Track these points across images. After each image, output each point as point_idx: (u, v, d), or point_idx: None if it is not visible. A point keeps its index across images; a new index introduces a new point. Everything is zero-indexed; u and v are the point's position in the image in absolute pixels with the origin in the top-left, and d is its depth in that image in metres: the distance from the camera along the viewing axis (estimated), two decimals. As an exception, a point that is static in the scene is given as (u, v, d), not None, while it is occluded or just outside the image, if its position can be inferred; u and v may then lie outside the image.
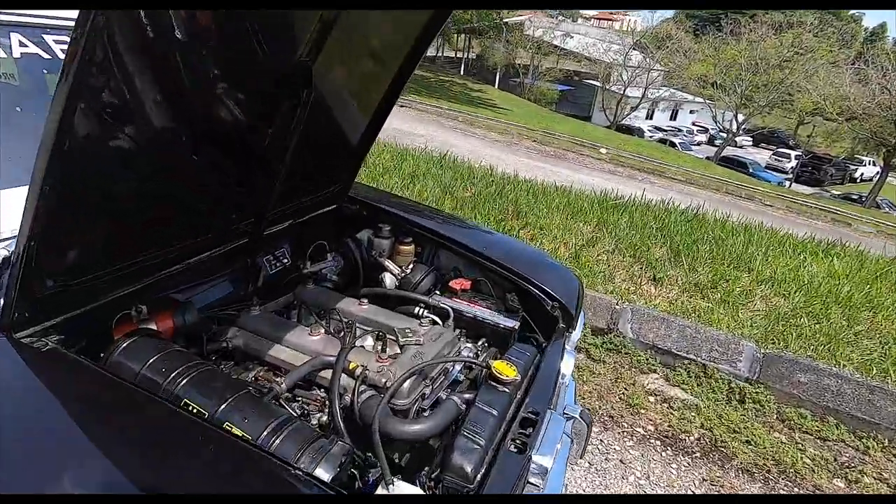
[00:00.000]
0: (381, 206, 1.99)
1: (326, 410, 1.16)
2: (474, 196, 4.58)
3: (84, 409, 0.92)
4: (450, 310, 1.63)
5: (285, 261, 1.71)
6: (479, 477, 1.05)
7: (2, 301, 0.97)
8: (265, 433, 0.98)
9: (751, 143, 33.81)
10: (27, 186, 0.87)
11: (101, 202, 1.06)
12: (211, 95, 1.14)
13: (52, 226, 0.94)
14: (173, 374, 1.05)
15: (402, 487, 0.96)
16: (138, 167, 1.10)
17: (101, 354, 1.09)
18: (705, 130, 35.60)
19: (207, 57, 1.06)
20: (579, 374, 2.73)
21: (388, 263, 1.82)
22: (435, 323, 1.57)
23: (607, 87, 31.89)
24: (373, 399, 1.16)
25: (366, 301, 1.57)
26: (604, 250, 3.85)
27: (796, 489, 2.22)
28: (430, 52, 41.81)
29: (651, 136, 30.10)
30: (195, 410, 1.00)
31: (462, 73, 38.59)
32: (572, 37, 35.51)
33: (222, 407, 1.01)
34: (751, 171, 24.07)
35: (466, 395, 1.23)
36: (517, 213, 4.27)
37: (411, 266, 1.83)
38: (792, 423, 2.55)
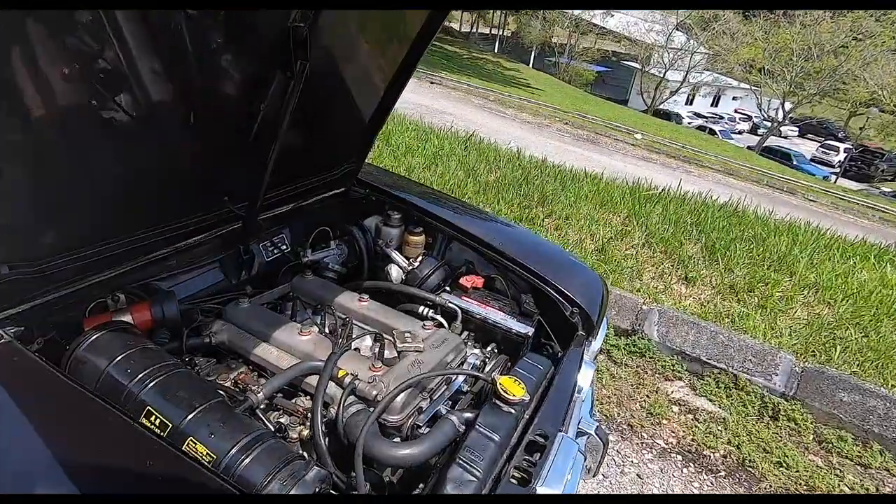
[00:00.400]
0: (391, 191, 1.84)
1: (308, 423, 1.04)
2: (498, 180, 4.38)
3: (31, 415, 0.82)
4: (458, 310, 1.49)
5: (284, 248, 1.59)
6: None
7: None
8: (233, 451, 0.87)
9: (797, 133, 32.13)
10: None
11: (69, 179, 0.95)
12: (198, 61, 1.00)
13: (3, 206, 0.83)
14: (140, 376, 0.95)
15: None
16: (113, 139, 0.98)
17: (67, 348, 1.00)
18: (748, 118, 33.95)
19: (193, 19, 0.92)
20: (599, 377, 2.57)
21: (396, 255, 1.69)
22: (440, 325, 1.43)
23: (646, 70, 30.63)
24: (360, 414, 1.03)
25: (367, 296, 1.44)
26: (633, 244, 3.62)
27: (831, 520, 2.03)
28: (464, 28, 40.82)
29: (690, 123, 28.88)
30: (158, 421, 0.90)
31: (496, 50, 37.65)
32: (613, 15, 34.07)
33: (188, 417, 0.90)
34: (795, 163, 22.87)
35: (467, 415, 1.09)
36: (543, 200, 4.06)
37: (420, 259, 1.69)
38: (830, 445, 2.33)
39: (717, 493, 2.09)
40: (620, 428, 2.34)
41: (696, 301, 3.16)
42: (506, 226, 2.01)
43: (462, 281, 1.61)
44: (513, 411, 1.10)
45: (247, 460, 0.86)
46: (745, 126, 33.38)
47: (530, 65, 35.10)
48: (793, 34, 22.67)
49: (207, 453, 0.86)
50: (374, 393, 1.06)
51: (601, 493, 2.00)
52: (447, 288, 1.64)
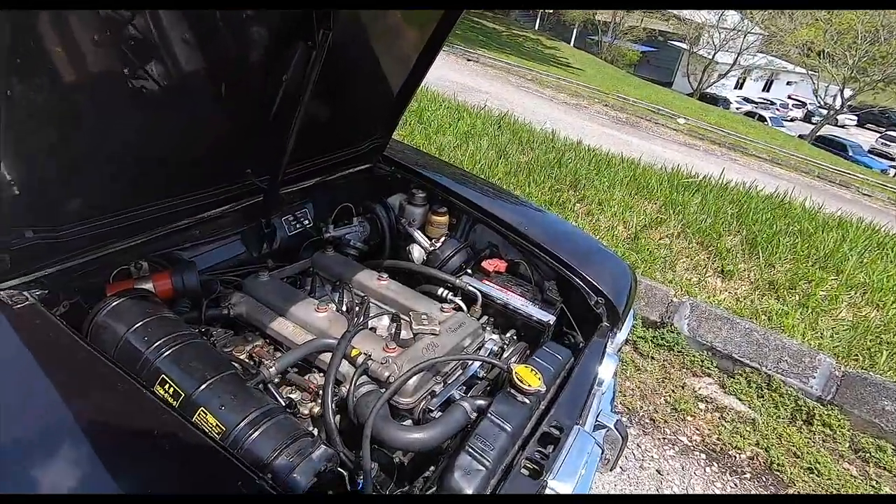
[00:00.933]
0: (417, 169, 1.80)
1: (320, 401, 1.03)
2: (531, 162, 4.27)
3: (49, 376, 0.84)
4: (479, 294, 1.46)
5: (306, 222, 1.58)
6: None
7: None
8: (242, 424, 0.87)
9: (855, 122, 30.16)
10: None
11: (95, 146, 0.95)
12: (225, 31, 0.98)
13: (30, 169, 0.84)
14: (157, 344, 0.96)
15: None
16: (140, 108, 0.97)
17: (89, 312, 1.02)
18: (802, 105, 32.04)
19: None
20: (622, 369, 2.50)
21: (418, 234, 1.65)
22: (459, 308, 1.40)
23: (695, 51, 29.16)
24: (372, 395, 1.02)
25: (386, 276, 1.42)
26: (667, 233, 3.48)
27: (862, 532, 1.93)
28: (505, 3, 39.65)
29: (738, 108, 27.47)
30: (172, 390, 0.91)
31: (536, 28, 36.55)
32: (662, -9, 32.38)
33: (201, 388, 0.90)
34: (851, 154, 21.49)
35: (479, 402, 1.06)
36: (575, 184, 3.93)
37: (443, 239, 1.65)
38: (867, 455, 2.21)
39: (741, 495, 2.02)
40: (643, 422, 2.28)
41: (731, 296, 3.02)
42: (534, 210, 1.95)
43: (484, 264, 1.57)
44: (527, 401, 1.07)
45: (255, 434, 0.86)
46: (799, 113, 31.53)
47: (571, 43, 33.95)
48: (858, 15, 21.05)
49: (217, 424, 0.86)
50: (387, 374, 1.04)
51: (619, 487, 1.97)
52: (469, 271, 1.60)
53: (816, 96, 25.06)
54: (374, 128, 1.70)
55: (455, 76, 11.86)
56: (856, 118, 29.53)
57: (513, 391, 1.08)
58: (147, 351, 0.95)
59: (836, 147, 21.91)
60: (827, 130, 24.58)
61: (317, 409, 1.03)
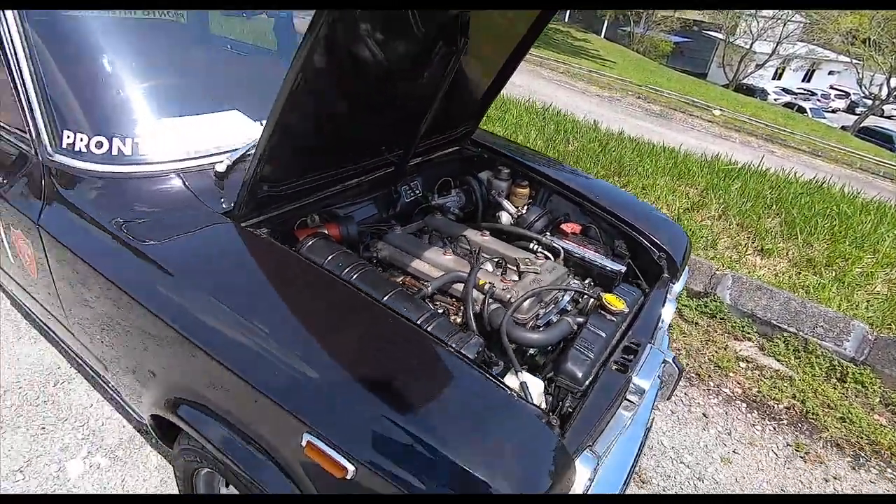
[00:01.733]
0: (500, 149, 2.15)
1: (461, 314, 1.39)
2: (577, 150, 4.55)
3: (287, 281, 1.21)
4: (561, 249, 1.79)
5: (417, 192, 1.94)
6: (587, 383, 1.24)
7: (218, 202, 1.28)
8: (420, 321, 1.22)
9: (903, 112, 28.91)
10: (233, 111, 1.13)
11: (317, 132, 1.32)
12: (386, 44, 1.33)
13: (276, 147, 1.21)
14: (347, 269, 1.33)
15: (527, 377, 1.17)
16: (332, 109, 1.34)
17: (291, 248, 1.39)
18: (846, 95, 30.90)
19: (420, 20, 1.24)
20: (668, 333, 2.79)
21: (506, 203, 2.00)
22: (547, 258, 1.73)
23: (731, 41, 28.48)
24: (499, 310, 1.37)
25: (487, 233, 1.77)
26: (709, 216, 3.73)
27: (889, 470, 2.19)
28: (534, -4, 39.50)
29: (776, 99, 26.76)
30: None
31: (566, 20, 36.21)
32: (697, -20, 31.68)
33: (385, 298, 1.26)
34: (896, 145, 20.75)
35: (579, 319, 1.40)
36: (620, 170, 4.21)
37: (526, 207, 1.99)
38: (897, 408, 2.45)
39: (779, 437, 2.30)
40: (688, 376, 2.57)
41: (770, 272, 3.26)
42: (599, 182, 2.26)
43: (563, 227, 1.90)
44: (615, 320, 1.40)
45: (430, 327, 1.21)
46: (841, 104, 30.44)
47: (602, 35, 33.54)
48: (908, 0, 20.20)
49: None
50: (508, 296, 1.39)
51: (669, 425, 2.27)
52: (548, 233, 1.94)
53: (861, 86, 24.21)
54: (467, 117, 2.05)
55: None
56: (903, 108, 28.32)
57: (603, 312, 1.41)
58: (342, 273, 1.32)
59: (882, 139, 21.16)
60: (872, 121, 23.73)
61: (459, 320, 1.39)
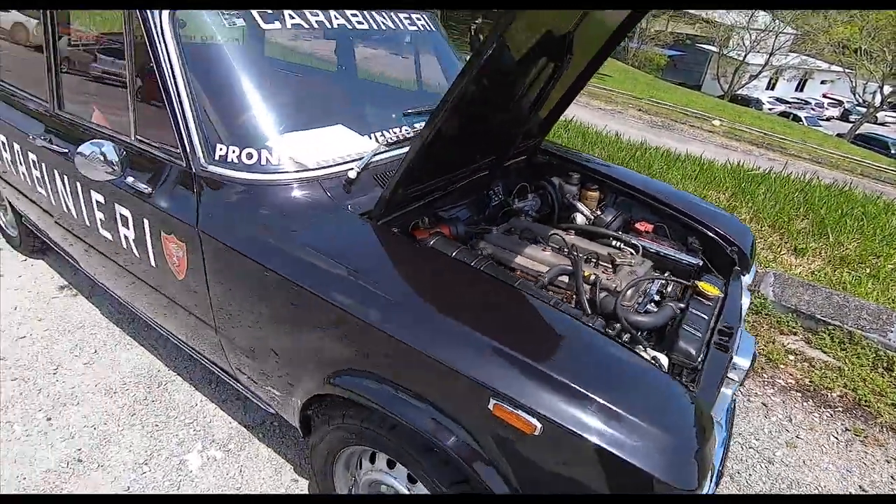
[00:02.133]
0: (567, 156, 2.30)
1: (573, 301, 1.53)
2: (606, 160, 4.73)
3: (437, 270, 1.35)
4: (639, 246, 1.93)
5: (500, 196, 2.09)
6: (700, 358, 1.37)
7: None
8: (552, 303, 1.36)
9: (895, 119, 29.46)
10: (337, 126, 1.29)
11: (442, 145, 1.47)
12: (520, 62, 1.48)
13: (418, 158, 1.35)
14: (475, 261, 1.47)
15: (654, 352, 1.30)
16: (467, 122, 1.48)
17: (417, 245, 1.54)
18: (838, 104, 31.48)
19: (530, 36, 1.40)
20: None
21: (580, 205, 2.15)
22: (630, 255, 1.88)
23: (725, 53, 29.10)
24: (608, 297, 1.51)
25: (572, 232, 1.91)
26: (741, 219, 3.88)
27: (945, 451, 2.30)
28: (530, 14, 40.31)
29: (771, 109, 27.26)
30: (496, 287, 1.41)
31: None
32: (689, -4, 32.47)
33: (517, 284, 1.40)
34: (893, 152, 21.15)
35: (680, 304, 1.54)
36: (651, 178, 4.37)
37: (600, 209, 2.14)
38: (944, 394, 2.58)
39: (837, 423, 2.42)
40: (742, 368, 2.70)
41: (806, 270, 3.41)
42: (659, 183, 2.41)
43: (637, 226, 2.05)
44: (711, 304, 1.54)
45: (561, 308, 1.35)
46: (835, 112, 31.01)
47: (598, 51, 34.01)
48: (897, 11, 20.80)
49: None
50: (614, 285, 1.53)
51: (736, 410, 2.39)
52: (621, 232, 2.08)
53: (854, 94, 24.72)
54: (539, 128, 2.21)
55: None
56: (896, 115, 28.88)
57: (699, 298, 1.55)
58: (472, 263, 1.46)
59: (878, 145, 21.58)
60: (867, 128, 24.19)
61: (571, 306, 1.52)
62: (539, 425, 1.00)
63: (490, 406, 1.03)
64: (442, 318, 1.14)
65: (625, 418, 0.98)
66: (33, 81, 1.98)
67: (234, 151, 1.46)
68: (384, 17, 2.02)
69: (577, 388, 1.01)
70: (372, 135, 1.71)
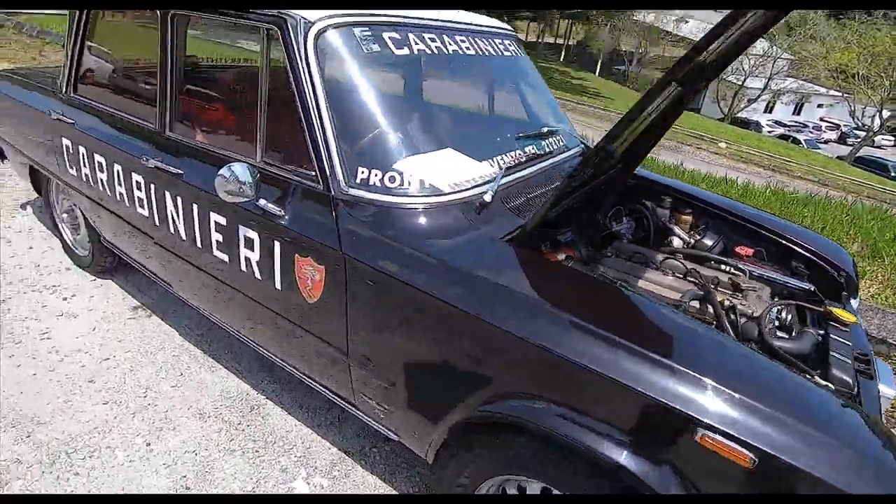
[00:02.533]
0: (658, 180, 2.32)
1: (713, 325, 1.51)
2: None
3: (590, 296, 1.34)
4: (747, 270, 1.93)
5: (600, 220, 2.09)
6: (856, 387, 1.35)
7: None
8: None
9: (893, 142, 29.99)
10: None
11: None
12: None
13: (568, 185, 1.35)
14: (606, 279, 1.46)
15: (817, 379, 1.29)
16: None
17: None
18: (836, 127, 32.04)
19: None
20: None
21: (677, 229, 2.15)
22: (741, 279, 1.87)
23: (724, 78, 29.69)
24: (749, 323, 1.50)
25: (681, 256, 1.91)
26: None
27: None
28: (531, 37, 41.15)
29: (770, 132, 27.71)
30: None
31: (562, 59, 37.65)
32: (687, 21, 33.33)
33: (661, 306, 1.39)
34: (893, 174, 21.46)
35: (820, 331, 1.53)
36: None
37: (698, 234, 2.14)
38: None
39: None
40: (820, 393, 2.67)
41: (865, 293, 3.41)
42: (751, 208, 2.41)
43: (738, 250, 2.05)
44: (849, 330, 1.53)
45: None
46: (833, 135, 31.54)
47: (597, 73, 34.82)
48: (894, 37, 21.39)
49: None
50: (751, 311, 1.52)
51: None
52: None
53: (853, 118, 25.18)
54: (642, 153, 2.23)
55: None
56: (893, 139, 29.39)
57: (835, 325, 1.54)
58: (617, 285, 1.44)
59: (878, 167, 21.91)
60: (865, 151, 24.58)
61: (711, 333, 1.51)
62: (752, 456, 0.98)
63: (697, 437, 1.01)
64: (629, 346, 1.12)
65: (844, 451, 0.96)
66: (145, 103, 1.98)
67: (376, 175, 1.46)
68: (486, 43, 2.05)
69: (787, 418, 0.99)
70: (493, 159, 1.72)
